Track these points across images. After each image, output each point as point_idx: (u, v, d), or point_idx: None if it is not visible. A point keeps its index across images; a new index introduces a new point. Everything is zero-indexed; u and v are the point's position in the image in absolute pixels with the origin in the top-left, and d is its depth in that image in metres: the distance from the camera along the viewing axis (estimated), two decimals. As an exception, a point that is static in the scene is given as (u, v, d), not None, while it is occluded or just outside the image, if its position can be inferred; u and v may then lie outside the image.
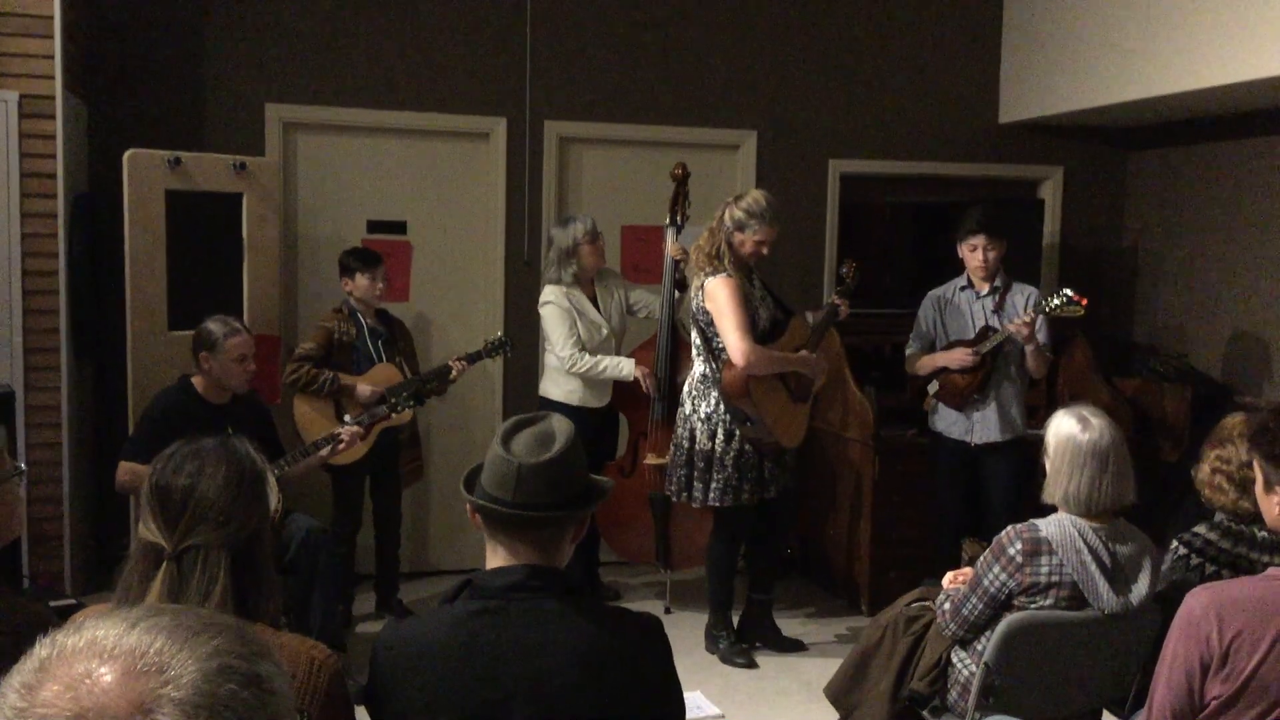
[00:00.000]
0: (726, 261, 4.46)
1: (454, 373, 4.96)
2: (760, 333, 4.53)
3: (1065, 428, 2.95)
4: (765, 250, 4.53)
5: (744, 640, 4.84)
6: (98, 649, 0.87)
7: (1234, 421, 3.10)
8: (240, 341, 4.26)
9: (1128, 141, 6.42)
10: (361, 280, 4.91)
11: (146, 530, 1.82)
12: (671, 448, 4.74)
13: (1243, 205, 5.68)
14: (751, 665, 4.71)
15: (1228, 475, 3.02)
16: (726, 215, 4.50)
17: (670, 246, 5.11)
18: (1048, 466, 2.99)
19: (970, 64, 6.22)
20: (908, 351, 5.07)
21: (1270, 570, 2.29)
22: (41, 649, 0.88)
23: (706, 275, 4.50)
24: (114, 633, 0.89)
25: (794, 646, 4.89)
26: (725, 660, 4.74)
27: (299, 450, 4.48)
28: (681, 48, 5.87)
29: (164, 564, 1.78)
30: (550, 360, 5.20)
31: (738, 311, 4.41)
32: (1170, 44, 4.96)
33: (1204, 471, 3.10)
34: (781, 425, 4.60)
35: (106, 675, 0.85)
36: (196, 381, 4.29)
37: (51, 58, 4.63)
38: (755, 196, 4.55)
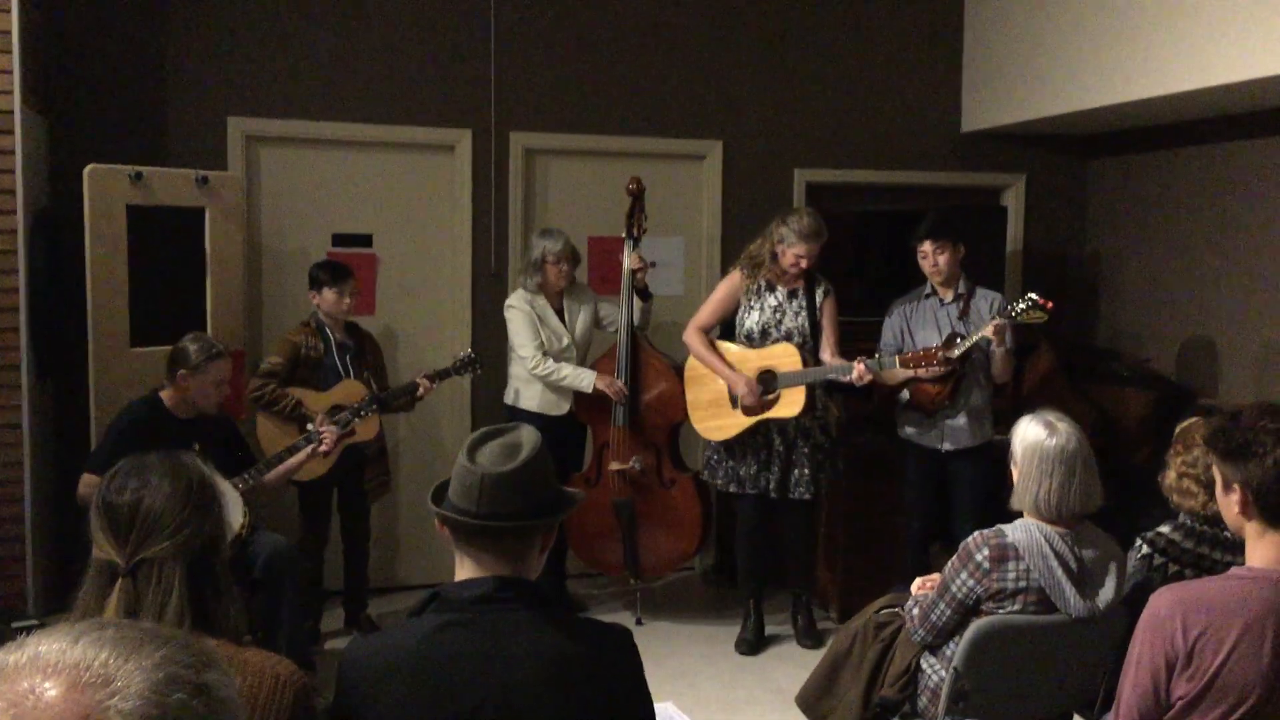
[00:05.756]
0: (766, 266, 4.91)
1: (421, 390, 4.93)
2: (746, 332, 4.94)
3: (1032, 434, 2.96)
4: (804, 264, 4.87)
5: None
6: (41, 664, 0.86)
7: (1197, 424, 3.13)
8: (223, 365, 4.24)
9: (1088, 149, 6.49)
10: (329, 294, 4.87)
11: (99, 548, 1.82)
12: None
13: (1201, 210, 5.74)
14: (750, 653, 4.97)
15: (1195, 478, 3.04)
16: (774, 227, 4.91)
17: (628, 258, 5.13)
18: (1015, 473, 3.00)
19: (932, 74, 6.27)
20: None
21: (1234, 569, 2.31)
22: None
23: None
24: (57, 647, 0.87)
25: (814, 643, 5.02)
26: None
27: (273, 457, 4.44)
28: (647, 58, 5.88)
29: (118, 580, 1.77)
30: (514, 369, 5.20)
31: (714, 297, 5.08)
32: (1128, 52, 5.02)
33: (1170, 477, 3.12)
34: (708, 417, 5.00)
35: (51, 690, 0.84)
36: (165, 396, 4.25)
37: (10, 72, 4.57)
38: (797, 214, 4.94)
